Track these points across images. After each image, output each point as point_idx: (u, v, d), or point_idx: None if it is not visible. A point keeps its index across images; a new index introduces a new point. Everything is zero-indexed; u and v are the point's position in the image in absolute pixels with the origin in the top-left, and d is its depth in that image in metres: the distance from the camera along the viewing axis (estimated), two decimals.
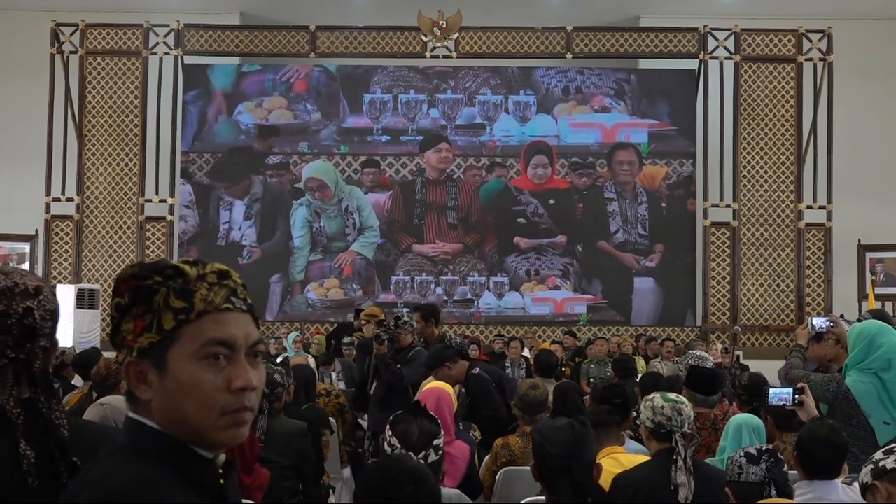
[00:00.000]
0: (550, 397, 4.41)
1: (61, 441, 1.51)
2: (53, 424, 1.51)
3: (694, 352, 5.60)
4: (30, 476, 1.47)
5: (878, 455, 2.51)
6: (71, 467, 1.51)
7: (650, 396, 3.05)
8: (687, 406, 2.99)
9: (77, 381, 5.41)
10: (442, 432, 2.56)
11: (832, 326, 4.42)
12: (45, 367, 1.55)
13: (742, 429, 3.71)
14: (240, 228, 12.35)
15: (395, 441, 2.46)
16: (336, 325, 10.59)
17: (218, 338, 1.13)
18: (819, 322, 4.43)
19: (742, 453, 2.78)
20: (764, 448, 2.77)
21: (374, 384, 5.89)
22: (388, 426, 2.52)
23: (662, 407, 2.95)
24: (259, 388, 1.18)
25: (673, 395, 3.04)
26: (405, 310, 11.30)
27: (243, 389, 1.14)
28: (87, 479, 1.12)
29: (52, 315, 1.58)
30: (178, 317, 1.13)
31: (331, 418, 5.30)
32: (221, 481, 1.17)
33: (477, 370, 5.19)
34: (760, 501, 2.66)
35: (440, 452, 2.49)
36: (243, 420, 1.15)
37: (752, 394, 4.47)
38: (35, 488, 1.47)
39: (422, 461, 2.40)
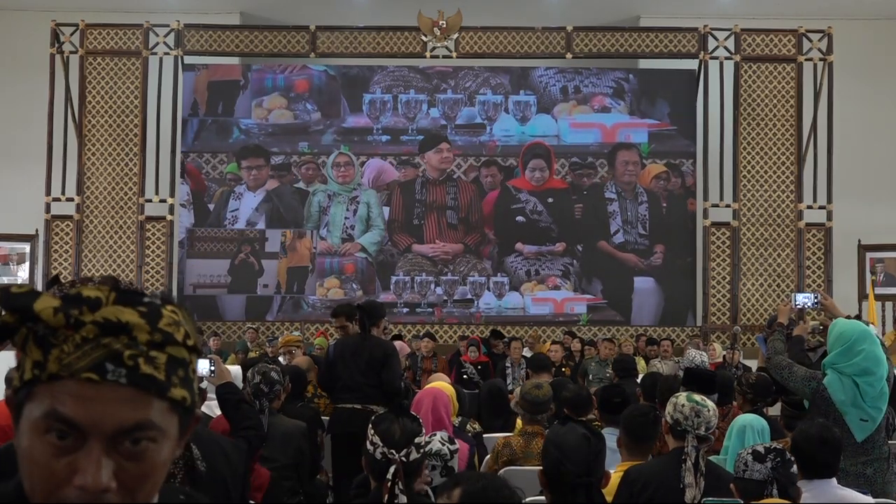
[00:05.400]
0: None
1: None
2: None
3: (691, 352, 5.56)
4: None
5: None
6: None
7: (678, 393, 3.11)
8: (709, 410, 2.99)
9: None
10: (423, 431, 2.62)
11: (818, 302, 4.37)
12: None
13: (746, 430, 3.71)
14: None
15: (377, 440, 2.54)
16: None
17: (60, 413, 0.83)
18: (802, 298, 4.37)
19: (750, 450, 2.77)
20: (773, 447, 2.76)
21: None
22: (370, 425, 2.61)
23: (683, 405, 3.00)
24: (141, 486, 0.86)
25: (698, 397, 3.07)
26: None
27: (83, 489, 0.83)
28: None
29: None
30: (33, 370, 0.86)
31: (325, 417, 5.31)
32: None
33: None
34: (757, 502, 2.65)
35: (421, 451, 2.56)
36: None
37: (759, 394, 4.46)
38: None
39: (403, 459, 2.44)
